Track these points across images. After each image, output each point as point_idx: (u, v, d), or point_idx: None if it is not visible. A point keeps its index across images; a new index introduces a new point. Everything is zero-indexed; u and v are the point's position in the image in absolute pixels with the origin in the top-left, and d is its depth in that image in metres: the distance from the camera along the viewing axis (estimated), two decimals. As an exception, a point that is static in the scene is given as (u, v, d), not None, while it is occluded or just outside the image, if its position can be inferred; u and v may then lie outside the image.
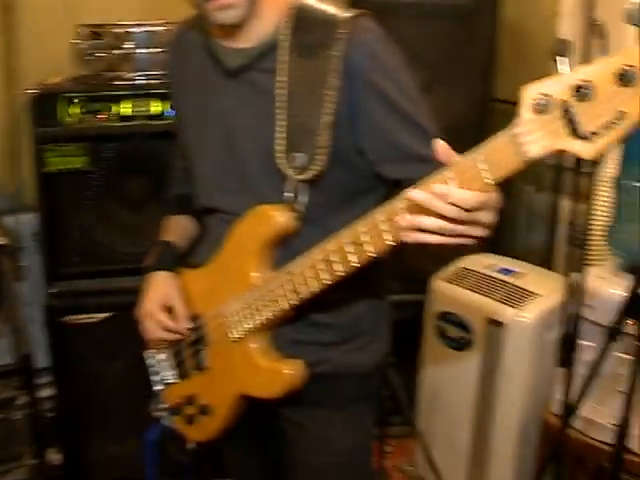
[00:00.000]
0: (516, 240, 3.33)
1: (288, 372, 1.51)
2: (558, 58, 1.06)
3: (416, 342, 2.84)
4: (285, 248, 1.52)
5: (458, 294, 2.67)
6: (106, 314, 2.69)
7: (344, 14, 1.44)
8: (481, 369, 2.59)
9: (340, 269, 1.35)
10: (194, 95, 1.62)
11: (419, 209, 1.17)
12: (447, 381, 2.74)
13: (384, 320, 1.71)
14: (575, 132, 1.02)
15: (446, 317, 2.70)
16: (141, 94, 2.62)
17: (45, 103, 2.58)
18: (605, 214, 2.51)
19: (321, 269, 1.38)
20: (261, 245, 1.50)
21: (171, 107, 2.48)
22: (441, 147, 1.17)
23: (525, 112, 1.06)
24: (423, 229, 1.18)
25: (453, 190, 1.13)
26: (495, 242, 3.02)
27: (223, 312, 1.58)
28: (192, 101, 1.63)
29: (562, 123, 1.03)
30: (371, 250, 1.30)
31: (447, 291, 2.72)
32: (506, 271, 2.69)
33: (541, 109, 1.04)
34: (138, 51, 2.70)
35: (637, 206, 2.34)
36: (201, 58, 1.59)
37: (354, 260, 1.33)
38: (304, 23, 1.46)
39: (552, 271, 2.89)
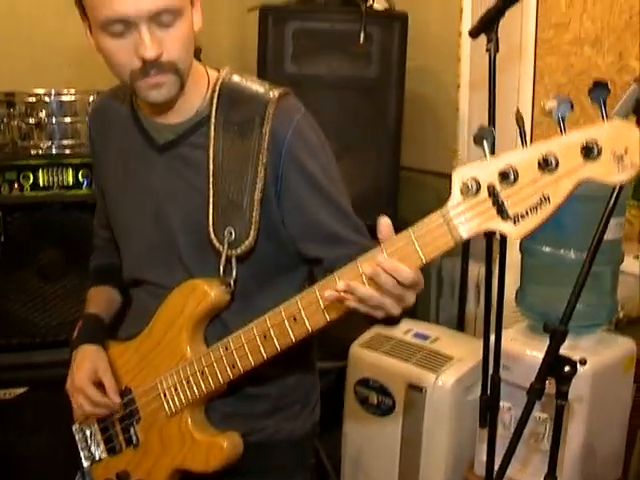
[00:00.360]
0: (428, 304, 3.42)
1: (226, 445, 1.51)
2: (484, 144, 1.10)
3: (338, 410, 2.84)
4: (215, 323, 1.53)
5: (377, 360, 2.70)
6: (23, 389, 2.61)
7: (272, 93, 1.48)
8: (403, 434, 2.61)
9: (279, 343, 1.37)
10: (120, 167, 1.62)
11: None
12: (370, 447, 2.75)
13: (314, 389, 1.73)
14: (503, 214, 1.07)
15: (366, 383, 2.72)
16: (55, 164, 2.62)
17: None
18: (513, 277, 2.61)
19: (260, 343, 1.39)
20: (194, 319, 1.51)
21: (92, 178, 2.48)
22: (385, 223, 1.19)
23: (456, 194, 1.11)
24: (353, 294, 1.20)
25: (398, 264, 1.16)
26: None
27: (156, 386, 1.56)
28: (118, 173, 1.63)
29: (490, 205, 1.08)
30: (311, 325, 1.32)
31: (366, 357, 2.75)
32: (422, 336, 2.75)
33: (471, 192, 1.09)
34: (52, 120, 2.68)
35: (543, 269, 2.46)
36: (128, 131, 1.59)
37: (293, 335, 1.34)
38: (232, 100, 1.50)
39: (465, 334, 2.98)
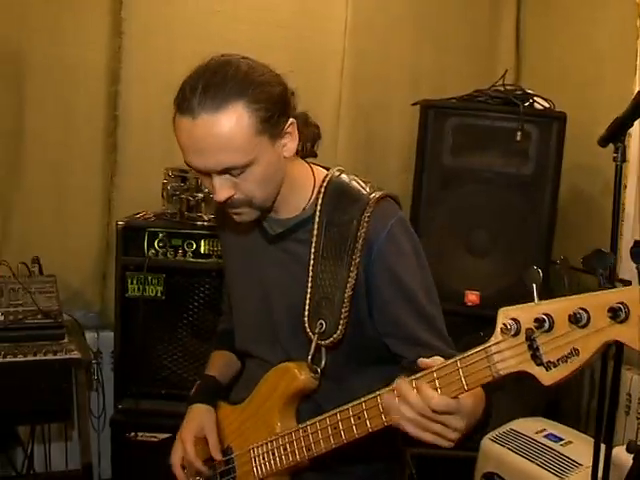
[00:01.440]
0: (579, 408, 3.30)
1: None
2: (533, 287, 1.15)
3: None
4: (308, 401, 1.65)
5: (504, 456, 2.67)
6: (167, 435, 2.79)
7: (371, 196, 1.58)
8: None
9: (345, 436, 1.47)
10: (239, 249, 1.78)
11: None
12: None
13: (401, 466, 1.81)
14: (536, 359, 1.11)
15: (492, 478, 2.70)
16: (216, 235, 2.80)
17: (133, 235, 2.88)
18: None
19: (331, 433, 1.50)
20: (284, 398, 1.65)
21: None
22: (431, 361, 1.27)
23: (499, 332, 1.16)
24: (401, 416, 1.28)
25: (427, 392, 1.24)
26: (555, 406, 3.03)
27: (250, 451, 1.70)
28: (236, 254, 1.79)
29: (526, 349, 1.13)
30: (371, 425, 1.41)
31: (494, 452, 2.72)
32: (554, 437, 2.68)
33: (511, 332, 1.14)
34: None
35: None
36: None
37: (356, 431, 1.44)
38: (336, 199, 1.61)
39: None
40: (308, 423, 1.56)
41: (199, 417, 1.81)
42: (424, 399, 1.23)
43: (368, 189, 1.61)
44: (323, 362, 1.60)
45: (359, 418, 1.43)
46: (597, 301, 1.06)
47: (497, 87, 3.00)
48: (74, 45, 3.19)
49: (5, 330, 2.74)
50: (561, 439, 2.68)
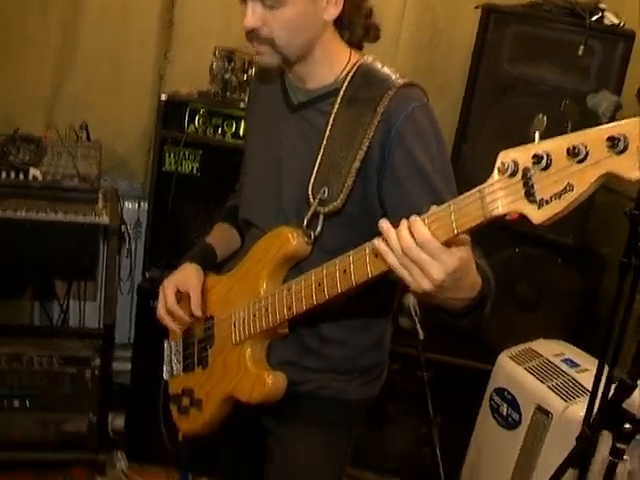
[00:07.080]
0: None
1: (270, 382, 1.62)
2: (536, 133, 1.09)
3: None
4: (299, 272, 1.61)
5: (517, 374, 2.64)
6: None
7: (399, 80, 1.56)
8: (521, 453, 2.54)
9: (328, 292, 1.45)
10: (262, 117, 1.79)
11: None
12: (489, 457, 2.72)
13: (378, 366, 1.79)
14: (529, 197, 1.06)
15: (502, 393, 2.68)
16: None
17: (174, 109, 2.87)
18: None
19: (314, 290, 1.48)
20: (275, 262, 1.63)
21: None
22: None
23: (496, 172, 1.11)
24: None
25: (418, 228, 1.20)
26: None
27: (231, 316, 1.71)
28: (259, 122, 1.80)
29: (521, 187, 1.07)
30: (355, 279, 1.38)
31: (509, 368, 2.69)
32: (571, 362, 2.63)
33: (508, 172, 1.09)
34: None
35: None
36: (276, 88, 1.75)
37: (340, 286, 1.42)
38: (364, 80, 1.60)
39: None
40: (293, 282, 1.55)
41: (185, 271, 1.83)
42: (414, 232, 1.19)
43: (398, 75, 1.59)
44: (319, 228, 1.59)
45: (345, 272, 1.41)
46: (597, 135, 0.99)
47: (570, -3, 2.84)
48: None
49: (42, 189, 2.81)
50: (578, 365, 2.64)
